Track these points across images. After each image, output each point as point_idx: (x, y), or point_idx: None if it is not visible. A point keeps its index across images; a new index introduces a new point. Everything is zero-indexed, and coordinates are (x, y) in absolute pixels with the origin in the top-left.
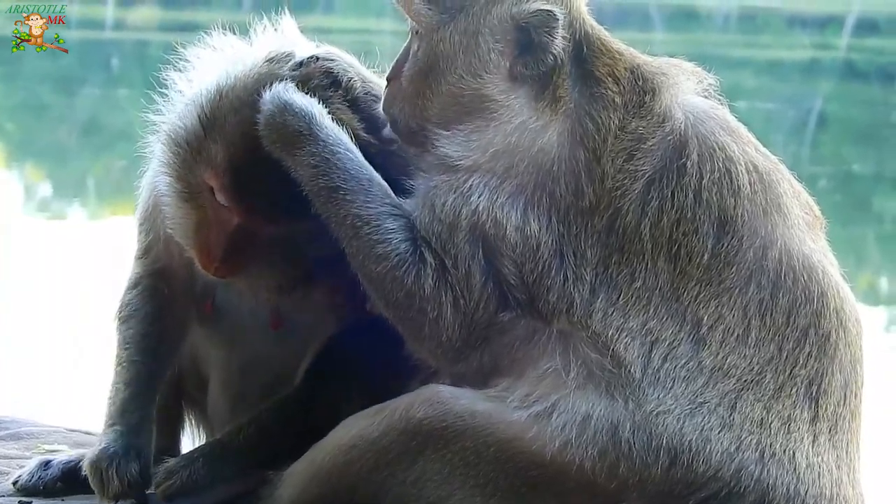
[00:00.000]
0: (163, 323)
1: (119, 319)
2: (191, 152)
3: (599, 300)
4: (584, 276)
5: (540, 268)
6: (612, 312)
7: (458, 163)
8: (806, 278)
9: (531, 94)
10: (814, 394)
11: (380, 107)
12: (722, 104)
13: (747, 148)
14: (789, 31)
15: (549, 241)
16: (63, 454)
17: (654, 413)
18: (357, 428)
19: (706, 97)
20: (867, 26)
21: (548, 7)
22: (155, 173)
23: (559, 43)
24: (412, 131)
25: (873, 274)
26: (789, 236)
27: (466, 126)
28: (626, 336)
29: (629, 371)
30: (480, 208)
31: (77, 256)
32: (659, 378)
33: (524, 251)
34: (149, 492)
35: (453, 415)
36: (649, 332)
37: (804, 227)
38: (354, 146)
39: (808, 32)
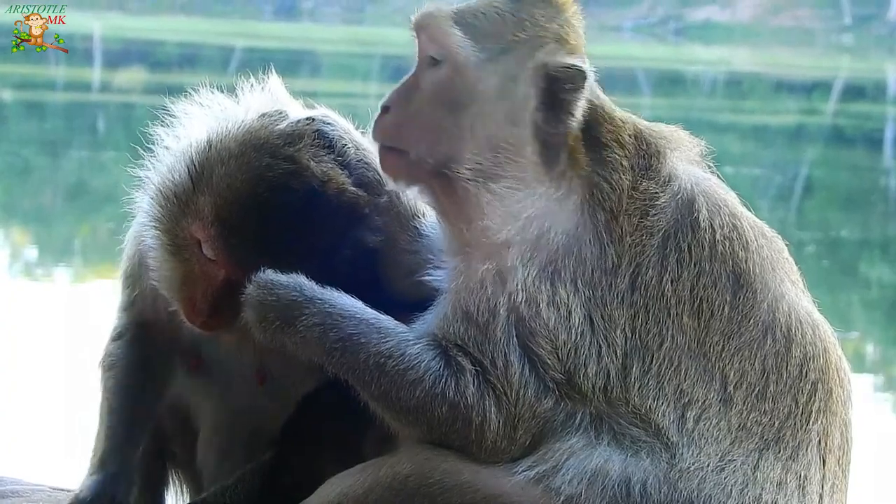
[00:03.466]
0: (145, 373)
1: (102, 369)
2: (179, 205)
3: (634, 369)
4: (615, 341)
5: (574, 338)
6: (648, 381)
7: (497, 237)
8: (811, 333)
9: (549, 155)
10: (822, 452)
11: (373, 173)
12: (711, 170)
13: (741, 207)
14: (776, 97)
15: (578, 307)
16: None
17: (687, 470)
18: (343, 485)
19: (698, 163)
20: (854, 92)
21: (580, 64)
22: (141, 227)
23: (582, 104)
24: (431, 169)
25: (860, 340)
26: (794, 291)
27: (501, 184)
28: (663, 403)
29: (667, 437)
30: (518, 288)
31: (62, 318)
32: (693, 439)
33: (557, 324)
34: None
35: (440, 471)
36: (682, 395)
37: (800, 284)
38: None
39: (794, 98)
